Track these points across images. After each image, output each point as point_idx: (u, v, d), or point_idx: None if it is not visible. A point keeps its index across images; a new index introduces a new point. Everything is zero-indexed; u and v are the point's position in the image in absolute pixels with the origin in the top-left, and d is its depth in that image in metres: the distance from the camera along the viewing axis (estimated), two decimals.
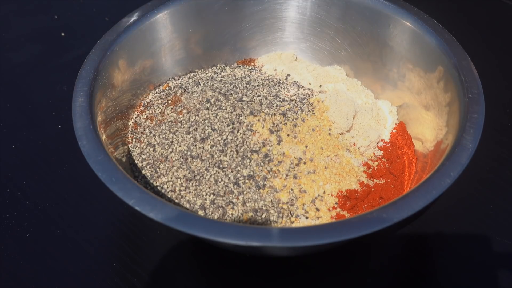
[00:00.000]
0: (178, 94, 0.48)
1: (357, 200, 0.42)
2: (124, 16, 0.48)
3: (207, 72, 0.54)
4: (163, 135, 0.44)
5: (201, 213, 0.40)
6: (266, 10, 0.54)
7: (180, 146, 0.43)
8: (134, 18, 0.48)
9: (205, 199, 0.40)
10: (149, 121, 0.46)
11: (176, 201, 0.40)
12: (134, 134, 0.46)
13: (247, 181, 0.41)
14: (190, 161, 0.42)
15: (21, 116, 0.55)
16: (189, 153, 0.42)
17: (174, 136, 0.44)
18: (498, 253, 0.43)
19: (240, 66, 0.56)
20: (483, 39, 0.64)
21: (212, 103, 0.46)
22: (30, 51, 0.64)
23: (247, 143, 0.43)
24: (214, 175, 0.41)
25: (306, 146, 0.44)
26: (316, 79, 0.53)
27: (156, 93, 0.50)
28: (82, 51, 0.47)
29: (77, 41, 0.65)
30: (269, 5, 0.54)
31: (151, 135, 0.45)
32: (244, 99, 0.47)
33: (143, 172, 0.43)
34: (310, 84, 0.52)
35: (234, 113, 0.45)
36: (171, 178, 0.42)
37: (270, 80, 0.52)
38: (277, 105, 0.47)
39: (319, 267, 0.42)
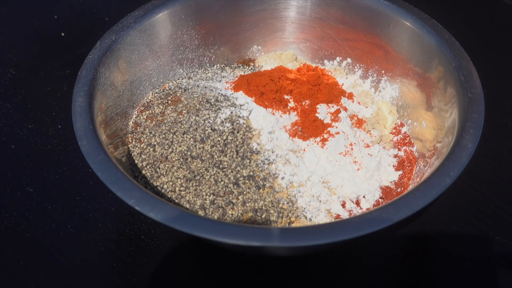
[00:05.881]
0: (178, 94, 0.48)
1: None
2: (124, 16, 0.48)
3: (207, 72, 0.54)
4: (163, 135, 0.44)
5: (201, 213, 0.40)
6: (266, 10, 0.54)
7: (180, 146, 0.43)
8: (134, 18, 0.48)
9: (205, 199, 0.40)
10: (149, 121, 0.46)
11: (176, 201, 0.40)
12: (134, 134, 0.46)
13: (247, 181, 0.41)
14: (190, 161, 0.42)
15: (21, 116, 0.55)
16: (189, 153, 0.42)
17: (174, 136, 0.44)
18: (498, 253, 0.43)
19: (240, 66, 0.56)
20: (483, 39, 0.64)
21: (212, 103, 0.46)
22: (30, 51, 0.64)
23: (247, 144, 0.43)
24: (214, 175, 0.41)
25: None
26: None
27: (156, 93, 0.50)
28: (82, 51, 0.47)
29: (77, 41, 0.65)
30: (269, 5, 0.54)
31: (151, 135, 0.45)
32: None
33: (143, 172, 0.43)
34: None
35: (234, 113, 0.45)
36: (171, 178, 0.42)
37: None
38: None
39: (319, 267, 0.42)
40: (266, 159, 0.43)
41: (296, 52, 0.57)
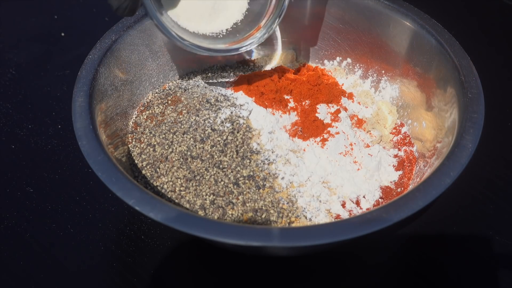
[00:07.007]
0: (178, 94, 0.48)
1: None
2: (124, 16, 0.48)
3: (207, 72, 0.54)
4: (163, 135, 0.44)
5: (201, 213, 0.40)
6: None
7: (180, 146, 0.43)
8: (134, 18, 0.48)
9: (205, 199, 0.40)
10: (149, 121, 0.46)
11: (176, 201, 0.40)
12: (134, 134, 0.46)
13: (247, 181, 0.41)
14: (190, 161, 0.42)
15: (21, 116, 0.55)
16: (189, 153, 0.42)
17: (174, 136, 0.44)
18: (498, 253, 0.43)
19: (240, 66, 0.56)
20: (483, 39, 0.64)
21: (212, 103, 0.46)
22: (30, 51, 0.64)
23: (247, 144, 0.43)
24: (214, 175, 0.41)
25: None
26: None
27: (156, 93, 0.50)
28: (82, 51, 0.47)
29: (77, 41, 0.65)
30: None
31: (151, 135, 0.45)
32: None
33: (143, 172, 0.43)
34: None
35: (234, 113, 0.45)
36: (171, 178, 0.42)
37: None
38: None
39: (319, 267, 0.42)
40: (266, 159, 0.43)
41: (296, 52, 0.57)
